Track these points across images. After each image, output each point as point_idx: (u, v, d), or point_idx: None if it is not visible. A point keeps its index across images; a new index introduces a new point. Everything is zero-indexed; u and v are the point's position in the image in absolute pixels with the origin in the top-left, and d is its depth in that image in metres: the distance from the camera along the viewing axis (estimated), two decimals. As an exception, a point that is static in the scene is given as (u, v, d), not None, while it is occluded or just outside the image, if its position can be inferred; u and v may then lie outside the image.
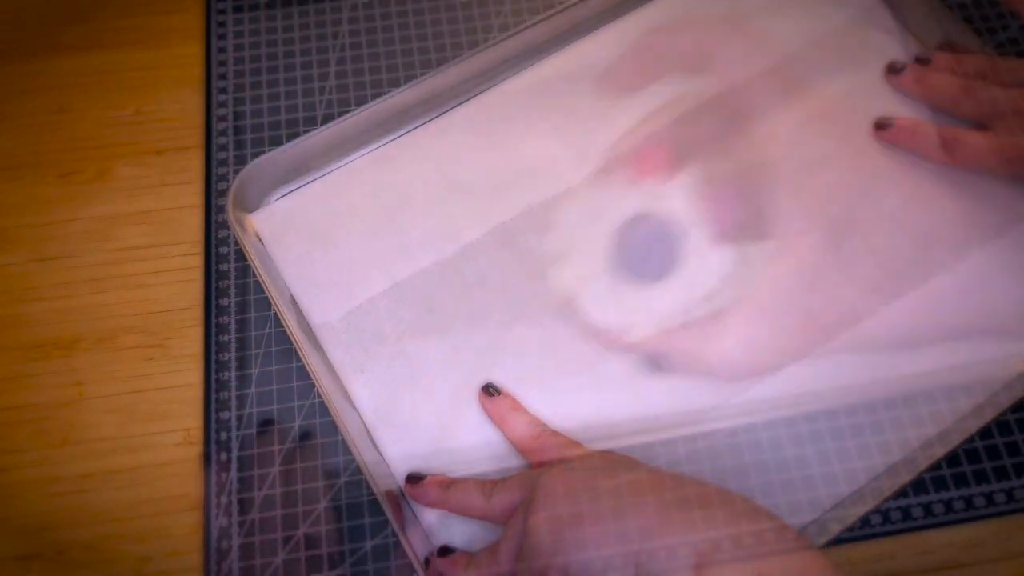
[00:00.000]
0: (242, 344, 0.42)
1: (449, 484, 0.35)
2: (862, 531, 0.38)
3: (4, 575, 0.37)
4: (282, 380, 0.41)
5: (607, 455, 0.33)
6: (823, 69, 0.46)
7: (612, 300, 0.26)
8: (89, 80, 0.49)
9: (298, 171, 0.44)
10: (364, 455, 0.36)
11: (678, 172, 0.26)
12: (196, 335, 0.42)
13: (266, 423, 0.40)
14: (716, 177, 0.27)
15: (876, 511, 0.38)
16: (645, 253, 0.24)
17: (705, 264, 0.26)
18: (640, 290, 0.26)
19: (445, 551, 0.35)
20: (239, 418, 0.40)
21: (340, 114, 0.45)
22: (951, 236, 0.41)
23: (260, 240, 0.42)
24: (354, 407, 0.39)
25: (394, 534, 0.37)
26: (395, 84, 0.48)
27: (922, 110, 0.44)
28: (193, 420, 0.40)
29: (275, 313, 0.40)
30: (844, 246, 0.41)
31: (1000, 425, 0.39)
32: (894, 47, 0.46)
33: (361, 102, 0.47)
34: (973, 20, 0.49)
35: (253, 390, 0.41)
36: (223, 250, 0.44)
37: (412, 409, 0.38)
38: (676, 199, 0.26)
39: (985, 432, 0.39)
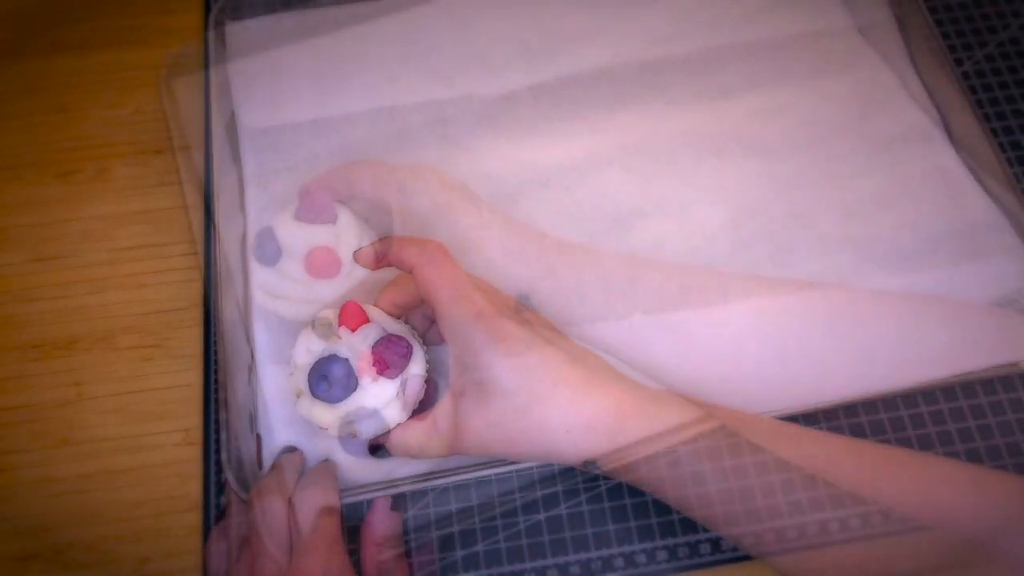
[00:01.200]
0: (241, 344, 0.42)
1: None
2: (862, 531, 0.38)
3: (3, 575, 0.37)
4: (281, 380, 0.41)
5: None
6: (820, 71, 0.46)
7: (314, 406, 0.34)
8: (89, 79, 0.49)
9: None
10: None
11: (363, 325, 0.34)
12: (195, 335, 0.42)
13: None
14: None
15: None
16: (328, 384, 0.33)
17: (373, 391, 0.33)
18: (325, 406, 0.34)
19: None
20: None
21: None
22: (960, 234, 0.41)
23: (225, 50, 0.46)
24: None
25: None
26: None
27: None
28: (192, 420, 0.40)
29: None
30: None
31: (1000, 424, 0.39)
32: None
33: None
34: (973, 19, 0.49)
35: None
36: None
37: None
38: (357, 346, 0.33)
39: (985, 431, 0.39)
